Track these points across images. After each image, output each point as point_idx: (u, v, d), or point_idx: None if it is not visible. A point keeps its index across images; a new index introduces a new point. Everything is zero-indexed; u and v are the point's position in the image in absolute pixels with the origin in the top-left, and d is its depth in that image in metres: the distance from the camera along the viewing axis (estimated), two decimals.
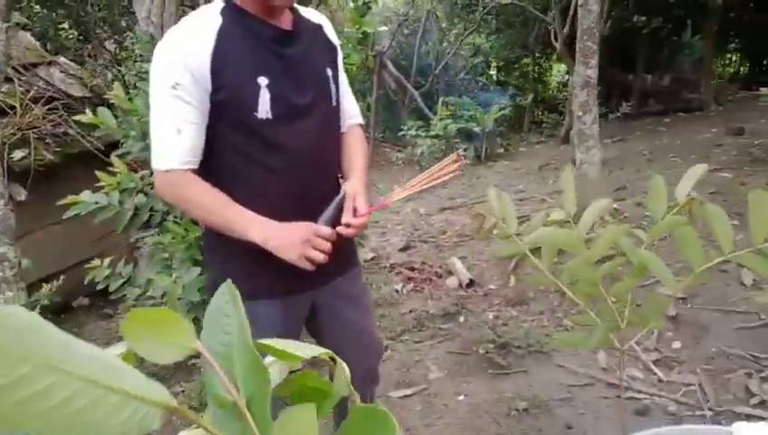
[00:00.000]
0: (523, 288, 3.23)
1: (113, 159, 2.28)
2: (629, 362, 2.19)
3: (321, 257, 1.16)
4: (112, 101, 2.48)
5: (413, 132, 7.74)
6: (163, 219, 2.54)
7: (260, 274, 1.25)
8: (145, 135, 2.42)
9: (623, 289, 1.29)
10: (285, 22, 1.23)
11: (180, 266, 2.53)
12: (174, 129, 1.13)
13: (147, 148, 2.46)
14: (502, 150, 8.39)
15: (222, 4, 1.18)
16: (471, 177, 7.08)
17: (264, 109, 1.16)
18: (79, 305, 4.23)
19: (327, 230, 1.18)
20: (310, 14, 1.33)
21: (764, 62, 13.07)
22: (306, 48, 1.25)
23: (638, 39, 9.15)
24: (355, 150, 1.40)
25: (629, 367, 2.17)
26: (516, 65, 13.18)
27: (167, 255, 2.67)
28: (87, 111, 2.22)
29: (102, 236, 3.96)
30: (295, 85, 1.21)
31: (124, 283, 2.69)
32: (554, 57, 12.30)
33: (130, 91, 2.84)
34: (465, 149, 7.93)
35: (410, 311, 3.04)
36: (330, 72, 1.31)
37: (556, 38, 8.12)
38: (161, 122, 1.15)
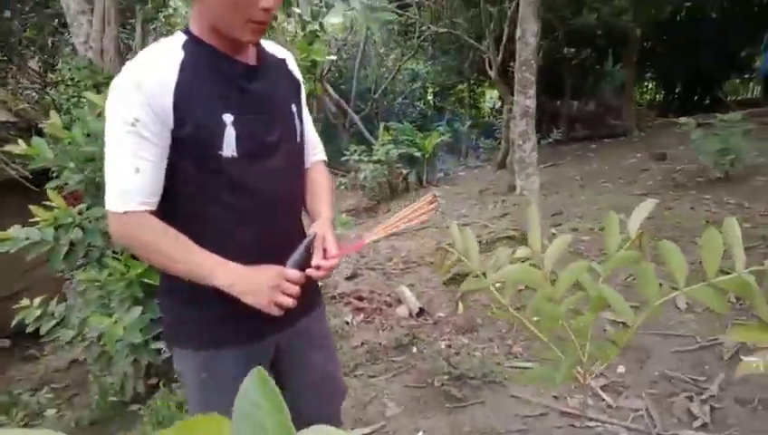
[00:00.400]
0: (472, 315, 3.28)
1: (49, 192, 2.13)
2: (579, 390, 2.25)
3: (289, 302, 1.12)
4: (44, 128, 2.33)
5: (356, 157, 7.76)
6: (102, 255, 2.40)
7: (223, 320, 1.19)
8: (83, 167, 2.28)
9: (584, 323, 1.32)
10: (250, 56, 1.19)
11: (120, 306, 2.39)
12: (132, 167, 1.05)
13: (86, 180, 2.32)
14: (442, 175, 8.57)
15: (184, 38, 1.12)
16: (413, 201, 7.17)
17: (229, 147, 1.11)
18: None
19: (296, 274, 1.14)
20: (273, 48, 1.30)
21: (677, 90, 14.17)
22: (271, 84, 1.22)
23: (565, 68, 9.69)
24: (320, 188, 1.38)
25: (580, 394, 2.23)
26: (452, 91, 13.58)
27: (102, 293, 2.52)
28: (20, 141, 2.07)
29: (27, 271, 3.69)
30: (261, 122, 1.17)
31: (56, 324, 2.51)
32: (486, 84, 12.79)
33: (62, 116, 2.68)
34: (407, 174, 8.05)
35: (362, 343, 3.00)
36: (294, 107, 1.29)
37: (490, 66, 8.44)
38: (118, 160, 1.07)
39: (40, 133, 2.70)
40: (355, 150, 8.11)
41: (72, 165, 2.19)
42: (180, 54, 1.09)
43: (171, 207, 1.13)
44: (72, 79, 2.71)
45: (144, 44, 4.69)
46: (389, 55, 13.00)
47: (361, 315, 3.46)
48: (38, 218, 2.13)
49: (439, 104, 13.69)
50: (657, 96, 15.29)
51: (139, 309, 2.27)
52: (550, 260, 1.31)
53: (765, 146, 5.91)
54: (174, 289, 1.21)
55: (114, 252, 2.34)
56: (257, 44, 1.21)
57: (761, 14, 9.78)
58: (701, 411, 2.06)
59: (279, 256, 1.18)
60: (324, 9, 3.21)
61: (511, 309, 1.39)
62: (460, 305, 3.42)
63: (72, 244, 2.31)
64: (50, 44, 4.69)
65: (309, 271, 1.17)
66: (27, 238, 2.21)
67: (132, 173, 1.06)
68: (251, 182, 1.15)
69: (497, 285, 1.41)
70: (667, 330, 2.59)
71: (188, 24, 1.16)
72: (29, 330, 2.45)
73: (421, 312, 3.40)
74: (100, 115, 2.32)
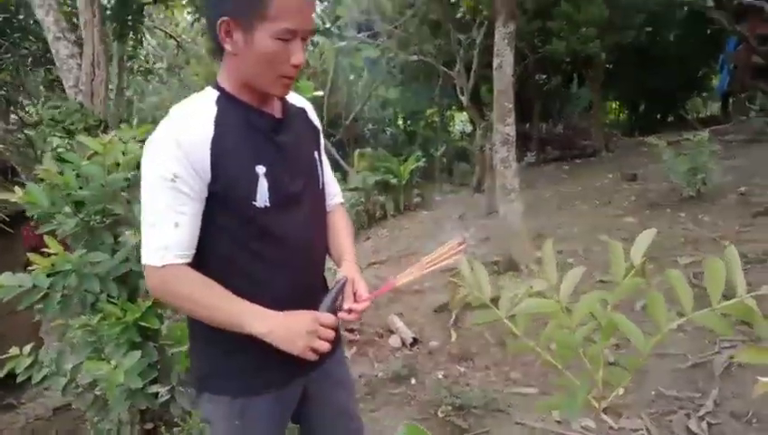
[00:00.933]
0: (466, 343, 3.30)
1: (47, 238, 2.09)
2: (581, 412, 2.29)
3: (326, 347, 1.14)
4: (40, 175, 2.30)
5: None
6: (96, 300, 2.35)
7: (260, 368, 1.21)
8: (77, 211, 2.25)
9: (597, 351, 1.36)
10: (276, 109, 1.23)
11: (116, 351, 2.33)
12: (171, 222, 1.08)
13: (80, 224, 2.29)
14: (419, 200, 8.66)
15: (216, 93, 1.16)
16: (393, 228, 7.23)
17: (262, 197, 1.14)
18: None
19: (331, 318, 1.16)
20: (293, 98, 1.34)
21: (640, 109, 14.73)
22: (296, 134, 1.26)
23: (534, 92, 10.00)
24: (342, 231, 1.41)
25: (582, 417, 2.27)
26: (422, 116, 13.81)
27: (94, 338, 2.46)
28: (17, 188, 2.03)
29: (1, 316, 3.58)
30: (289, 172, 1.21)
31: (49, 372, 2.43)
32: (455, 108, 13.06)
33: (40, 157, 2.64)
34: (384, 201, 8.10)
35: (359, 376, 2.99)
36: (316, 154, 1.33)
37: (462, 92, 8.64)
38: (157, 215, 1.08)
39: (15, 174, 2.65)
40: None
41: (67, 210, 2.16)
42: (214, 110, 1.12)
43: (204, 257, 1.15)
44: (59, 121, 2.68)
45: (120, 82, 4.68)
46: (359, 82, 13.17)
47: (354, 348, 3.45)
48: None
49: (410, 129, 13.90)
50: (622, 115, 15.87)
51: (137, 353, 2.22)
52: (566, 293, 1.36)
53: (730, 164, 6.19)
54: (212, 339, 1.21)
55: (110, 296, 2.29)
56: (281, 97, 1.24)
57: (714, 37, 10.32)
58: (699, 428, 2.12)
59: (309, 300, 1.20)
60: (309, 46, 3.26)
61: (526, 340, 1.43)
62: (453, 333, 3.45)
63: (64, 289, 2.26)
64: (23, 85, 4.63)
65: (341, 314, 1.19)
66: (20, 286, 2.16)
67: (172, 228, 1.08)
68: (281, 230, 1.18)
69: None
70: (661, 349, 2.66)
71: (217, 79, 1.19)
72: (20, 379, 2.37)
73: (415, 341, 3.42)
74: (91, 159, 2.31)
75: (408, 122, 14.16)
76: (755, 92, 9.57)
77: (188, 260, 1.11)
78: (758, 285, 3.19)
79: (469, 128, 14.45)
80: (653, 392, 2.39)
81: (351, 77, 12.93)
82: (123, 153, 2.33)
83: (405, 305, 4.17)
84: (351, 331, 3.68)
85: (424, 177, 10.76)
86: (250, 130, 1.15)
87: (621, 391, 2.66)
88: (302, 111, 1.34)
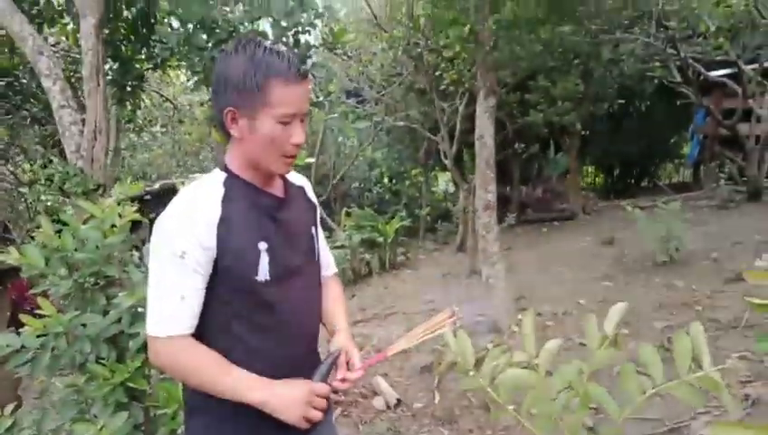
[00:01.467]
0: (449, 404, 3.33)
1: (40, 300, 2.13)
2: None
3: (319, 416, 1.20)
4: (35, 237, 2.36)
5: None
6: (86, 360, 2.36)
7: (257, 433, 1.26)
8: (71, 272, 2.30)
9: (575, 421, 1.44)
10: (278, 188, 1.34)
11: (103, 411, 2.33)
12: (178, 295, 1.16)
13: (74, 285, 2.33)
14: (404, 258, 8.75)
15: (224, 175, 1.26)
16: (378, 286, 7.27)
17: (263, 271, 1.22)
18: None
19: (325, 389, 1.22)
20: (293, 177, 1.46)
21: (615, 174, 15.27)
22: (296, 212, 1.37)
23: (513, 157, 10.37)
24: (336, 301, 1.50)
25: None
26: (407, 176, 14.13)
27: (81, 398, 2.45)
28: (12, 249, 2.09)
29: None
30: (289, 248, 1.30)
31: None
32: (438, 168, 13.42)
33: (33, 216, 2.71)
34: (369, 259, 8.19)
35: None
36: (313, 230, 1.43)
37: (445, 156, 8.94)
38: (164, 289, 1.17)
39: (6, 230, 2.70)
40: None
41: (62, 271, 2.21)
42: (221, 191, 1.23)
43: (203, 326, 1.22)
44: (54, 182, 2.76)
45: (118, 143, 4.80)
46: (347, 143, 13.52)
47: (339, 409, 3.44)
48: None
49: (396, 188, 14.17)
50: (598, 179, 16.38)
51: (125, 415, 2.23)
52: (544, 364, 1.45)
53: (703, 230, 6.44)
54: (206, 408, 1.26)
55: (100, 357, 2.31)
56: (282, 176, 1.36)
57: (683, 108, 10.91)
58: None
59: (303, 369, 1.28)
60: None
61: (509, 409, 1.50)
62: (437, 395, 3.47)
63: (54, 350, 2.28)
64: (18, 141, 4.73)
65: (335, 383, 1.26)
66: (8, 346, 2.18)
67: (178, 300, 1.16)
68: (280, 303, 1.26)
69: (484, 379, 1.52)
70: (638, 414, 2.72)
71: (225, 161, 1.31)
72: None
73: (398, 403, 3.43)
74: (87, 222, 2.39)
75: (394, 181, 14.47)
76: (724, 161, 10.05)
77: (192, 331, 1.19)
78: (730, 351, 3.30)
79: (452, 188, 14.79)
80: None
81: (339, 139, 13.28)
82: (119, 215, 2.40)
83: (390, 366, 4.18)
84: (336, 392, 3.67)
85: (408, 235, 10.91)
86: (254, 209, 1.25)
87: None
88: (302, 190, 1.46)
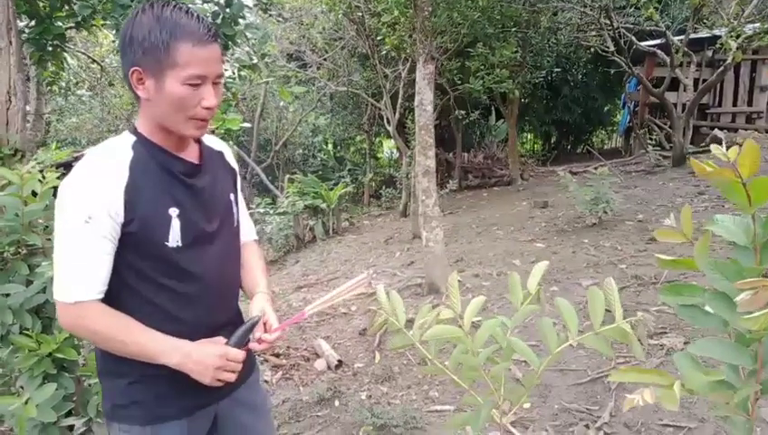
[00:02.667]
0: (389, 363, 3.43)
1: None
2: (492, 427, 2.46)
3: (232, 377, 1.23)
4: None
5: (261, 210, 7.78)
6: (7, 332, 2.27)
7: (167, 397, 1.27)
8: None
9: (499, 371, 1.53)
10: (192, 153, 1.30)
11: (30, 383, 2.27)
12: (84, 260, 1.13)
13: None
14: (347, 224, 8.79)
15: (133, 138, 1.22)
16: (322, 252, 7.29)
17: (174, 237, 1.21)
18: None
19: (238, 354, 1.24)
20: (211, 141, 1.43)
21: (552, 141, 15.78)
22: (212, 178, 1.34)
23: (455, 124, 10.50)
24: (255, 265, 1.50)
25: (492, 431, 2.44)
26: (351, 142, 14.07)
27: (5, 371, 2.37)
28: None
29: None
30: (203, 213, 1.28)
31: None
32: (383, 135, 13.45)
33: None
34: (313, 225, 8.18)
35: (284, 401, 3.03)
36: (232, 196, 1.41)
37: (388, 122, 8.94)
38: (71, 254, 1.14)
39: None
40: (260, 203, 8.13)
41: None
42: (129, 154, 1.19)
43: (113, 291, 1.20)
44: None
45: (39, 107, 4.51)
46: (289, 108, 13.25)
47: (279, 373, 3.48)
48: None
49: (339, 154, 14.10)
50: (536, 146, 16.89)
51: (53, 386, 2.17)
52: (468, 319, 1.52)
53: (630, 193, 6.80)
54: (119, 371, 1.26)
55: (25, 329, 2.23)
56: (198, 140, 1.33)
57: (616, 76, 11.32)
58: None
59: (220, 332, 1.29)
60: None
61: (437, 362, 1.58)
62: (377, 355, 3.56)
63: None
64: None
65: (252, 344, 1.29)
66: None
67: (84, 265, 1.13)
68: (193, 268, 1.26)
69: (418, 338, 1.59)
70: (563, 365, 2.91)
71: (135, 123, 1.26)
72: None
73: (340, 364, 3.50)
74: (5, 189, 2.27)
75: (338, 148, 14.37)
76: (653, 128, 10.56)
77: (101, 296, 1.17)
78: (650, 305, 3.54)
79: (396, 154, 14.87)
80: (557, 407, 2.62)
81: (282, 103, 12.99)
82: (40, 181, 2.29)
83: (332, 328, 4.25)
84: (277, 355, 3.71)
85: (353, 201, 10.94)
86: (165, 175, 1.22)
87: (527, 405, 2.89)
88: (220, 155, 1.43)
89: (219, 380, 1.21)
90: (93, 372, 2.37)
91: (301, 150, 13.73)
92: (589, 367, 2.91)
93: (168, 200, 1.21)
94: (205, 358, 1.19)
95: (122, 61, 1.19)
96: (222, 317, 1.35)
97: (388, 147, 16.37)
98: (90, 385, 2.39)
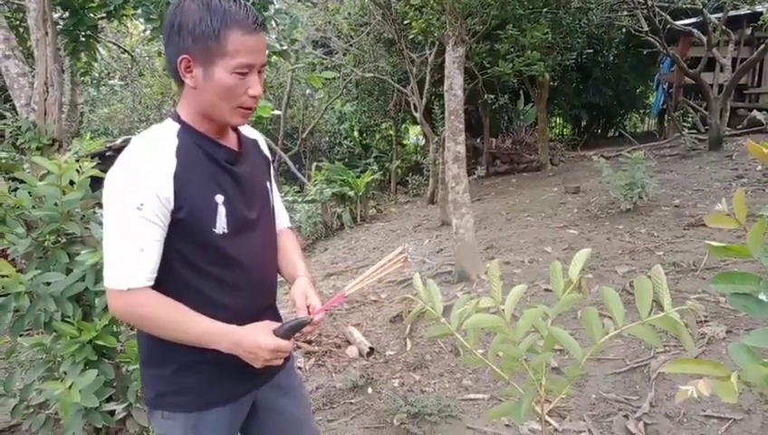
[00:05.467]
0: (421, 351, 3.42)
1: None
2: (527, 416, 2.43)
3: (279, 362, 1.24)
4: None
5: (289, 198, 7.83)
6: (51, 319, 2.32)
7: (212, 384, 1.29)
8: (30, 231, 2.23)
9: (540, 362, 1.49)
10: (232, 141, 1.31)
11: (72, 369, 2.32)
12: (137, 247, 1.13)
13: (33, 244, 2.27)
14: (375, 212, 8.78)
15: (177, 126, 1.22)
16: (350, 239, 7.31)
17: (220, 224, 1.22)
18: None
19: (288, 346, 1.24)
20: (246, 130, 1.43)
21: (582, 125, 15.43)
22: (251, 165, 1.35)
23: (483, 109, 10.34)
24: (293, 252, 1.50)
25: (528, 421, 2.41)
26: (377, 129, 14.00)
27: (49, 356, 2.43)
28: None
29: None
30: (246, 201, 1.29)
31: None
32: (409, 121, 13.34)
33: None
34: (341, 212, 8.18)
35: (317, 388, 3.05)
36: (268, 184, 1.43)
37: (415, 108, 8.85)
38: (122, 241, 1.14)
39: None
40: (288, 191, 8.17)
41: (20, 230, 2.14)
42: (175, 142, 1.19)
43: (164, 280, 1.20)
44: (6, 139, 2.63)
45: (74, 97, 4.59)
46: (315, 96, 13.25)
47: (312, 359, 3.50)
48: None
49: (366, 142, 14.06)
50: (565, 130, 16.53)
51: (94, 373, 2.22)
52: (510, 309, 1.48)
53: (666, 177, 6.60)
54: (169, 359, 1.27)
55: (65, 315, 2.28)
56: (236, 129, 1.32)
57: (649, 57, 10.96)
58: (636, 428, 2.29)
59: (262, 318, 1.29)
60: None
61: (477, 353, 1.55)
62: (408, 342, 3.55)
63: (17, 311, 2.24)
64: None
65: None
66: None
67: (136, 252, 1.13)
68: (237, 255, 1.26)
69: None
70: (600, 354, 2.85)
71: (177, 110, 1.26)
72: None
73: (371, 351, 3.50)
74: (45, 179, 2.30)
75: (364, 135, 14.33)
76: (688, 110, 10.23)
77: (151, 283, 1.17)
78: (690, 293, 3.44)
79: (423, 141, 14.76)
80: (594, 396, 2.57)
81: (308, 91, 12.99)
82: (78, 171, 2.32)
83: (362, 316, 4.26)
84: (309, 342, 3.73)
85: (379, 188, 10.92)
86: (209, 162, 1.22)
87: (564, 395, 2.82)
88: (255, 143, 1.44)
89: (267, 365, 1.22)
90: (132, 358, 2.41)
91: (327, 138, 13.74)
92: (627, 356, 2.84)
93: (214, 187, 1.22)
94: (256, 348, 1.19)
95: (168, 49, 1.18)
96: (263, 302, 1.37)
97: (414, 133, 16.28)
98: (129, 371, 2.44)
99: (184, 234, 1.19)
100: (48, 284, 2.27)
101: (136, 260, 1.14)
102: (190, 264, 1.22)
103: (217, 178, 1.23)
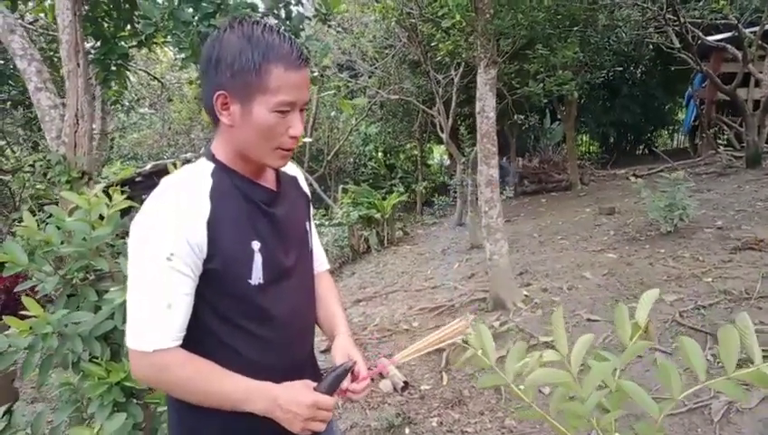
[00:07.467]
0: (457, 386, 3.25)
1: (25, 300, 1.99)
2: None
3: (322, 428, 1.11)
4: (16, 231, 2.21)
5: (317, 221, 7.77)
6: (78, 359, 2.25)
7: None
8: (58, 268, 2.17)
9: (610, 419, 1.34)
10: (270, 180, 1.21)
11: (100, 411, 2.23)
12: (165, 303, 1.02)
13: (62, 281, 2.20)
14: (402, 234, 8.66)
15: (212, 166, 1.12)
16: (378, 263, 7.19)
17: (256, 275, 1.10)
18: None
19: (330, 401, 1.12)
20: (286, 166, 1.33)
21: (610, 143, 15.15)
22: (290, 205, 1.24)
23: (510, 128, 10.22)
24: (331, 300, 1.39)
25: None
26: (401, 150, 13.95)
27: (77, 396, 2.35)
28: None
29: None
30: (283, 246, 1.18)
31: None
32: (433, 141, 13.26)
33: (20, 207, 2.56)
34: (368, 235, 8.08)
35: (351, 426, 2.91)
36: (307, 225, 1.32)
37: (441, 129, 8.77)
38: (149, 296, 1.02)
39: None
40: (314, 214, 8.13)
41: (47, 268, 2.08)
42: (209, 183, 1.08)
43: (191, 337, 1.09)
44: (37, 171, 2.61)
45: (104, 126, 4.61)
46: (340, 118, 13.29)
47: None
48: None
49: (390, 162, 14.02)
50: (592, 148, 16.26)
51: (122, 416, 2.12)
52: (576, 362, 1.34)
53: (704, 197, 6.36)
54: (199, 427, 1.16)
55: (93, 356, 2.20)
56: None
57: (678, 73, 10.72)
58: None
59: (303, 374, 1.18)
60: None
61: (535, 407, 1.40)
62: (444, 376, 3.39)
63: (44, 350, 2.16)
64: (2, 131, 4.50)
65: (340, 394, 1.17)
66: None
67: (164, 309, 1.02)
68: (273, 307, 1.15)
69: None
70: (654, 392, 2.65)
71: (212, 149, 1.16)
72: None
73: (406, 385, 3.35)
74: (73, 213, 2.25)
75: (389, 156, 14.30)
76: (722, 127, 9.93)
77: (179, 343, 1.05)
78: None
79: (447, 160, 14.64)
80: None
81: (333, 113, 13.05)
82: (107, 205, 2.26)
83: (394, 346, 4.11)
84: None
85: (405, 210, 10.81)
86: (246, 204, 1.12)
87: None
88: (294, 180, 1.33)
89: (308, 429, 1.08)
90: (161, 399, 2.31)
91: (352, 159, 13.74)
92: (685, 396, 2.63)
93: (251, 233, 1.11)
94: (295, 406, 1.06)
95: (204, 83, 1.09)
96: (300, 358, 1.25)
97: (438, 153, 16.20)
98: (158, 413, 2.34)
99: (215, 285, 1.07)
100: (76, 323, 2.20)
101: (163, 318, 1.02)
102: (221, 318, 1.10)
103: (254, 222, 1.12)
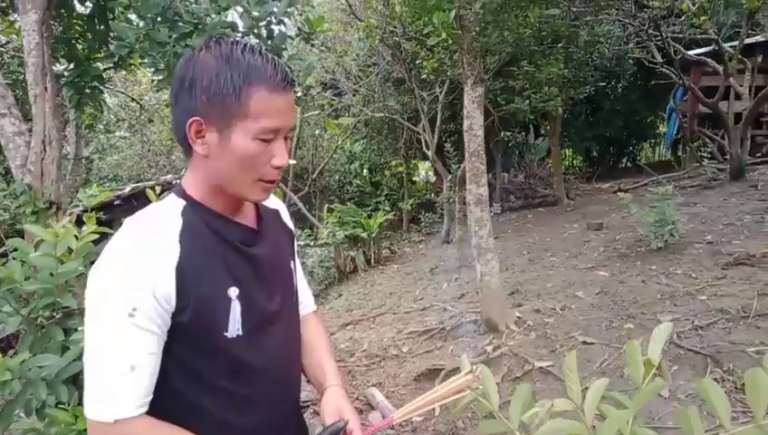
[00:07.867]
0: (451, 418, 3.12)
1: None
2: None
3: None
4: None
5: (301, 242, 7.62)
6: (42, 405, 2.08)
7: None
8: (24, 307, 2.01)
9: None
10: (250, 217, 1.08)
11: None
12: (127, 365, 0.88)
13: (25, 321, 2.04)
14: (388, 253, 8.53)
15: (182, 203, 0.99)
16: (365, 284, 7.04)
17: (234, 326, 0.97)
18: None
19: None
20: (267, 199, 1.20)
21: (593, 156, 15.25)
22: (272, 244, 1.11)
23: (495, 145, 10.20)
24: (321, 348, 1.25)
25: None
26: (386, 167, 13.88)
27: None
28: None
29: None
30: (264, 290, 1.05)
31: None
32: (418, 158, 13.21)
33: None
34: (354, 255, 7.94)
35: None
36: (292, 263, 1.19)
37: (427, 146, 8.72)
38: (108, 359, 0.88)
39: None
40: (299, 235, 7.97)
41: (8, 308, 1.92)
42: (178, 223, 0.95)
43: (160, 400, 0.94)
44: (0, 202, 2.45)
45: (78, 151, 4.45)
46: (324, 136, 13.21)
47: None
48: None
49: (375, 180, 13.93)
50: (575, 162, 16.37)
51: None
52: (590, 412, 1.23)
53: (689, 211, 6.34)
54: None
55: (60, 402, 2.03)
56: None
57: (659, 88, 10.85)
58: None
59: (288, 431, 1.08)
60: None
61: None
62: (437, 408, 3.25)
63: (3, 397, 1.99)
64: None
65: None
66: None
67: (126, 371, 0.88)
68: (253, 360, 1.01)
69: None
70: (658, 422, 2.54)
71: (182, 184, 1.03)
72: None
73: None
74: (39, 247, 2.09)
75: (373, 173, 14.22)
76: (704, 140, 10.02)
77: (145, 409, 0.91)
78: (746, 344, 3.12)
79: (433, 177, 14.61)
80: None
81: (317, 131, 12.95)
82: (76, 237, 2.12)
83: (383, 373, 3.97)
84: None
85: (391, 228, 10.69)
86: (221, 246, 0.99)
87: None
88: (276, 214, 1.20)
89: None
90: None
91: (337, 177, 13.63)
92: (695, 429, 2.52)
93: (227, 278, 0.97)
94: None
95: (176, 108, 0.96)
96: (283, 415, 1.11)
97: (423, 169, 16.17)
98: None
99: (186, 340, 0.93)
100: (41, 367, 2.03)
101: (125, 383, 0.88)
102: (194, 377, 0.97)
103: (231, 267, 0.98)
